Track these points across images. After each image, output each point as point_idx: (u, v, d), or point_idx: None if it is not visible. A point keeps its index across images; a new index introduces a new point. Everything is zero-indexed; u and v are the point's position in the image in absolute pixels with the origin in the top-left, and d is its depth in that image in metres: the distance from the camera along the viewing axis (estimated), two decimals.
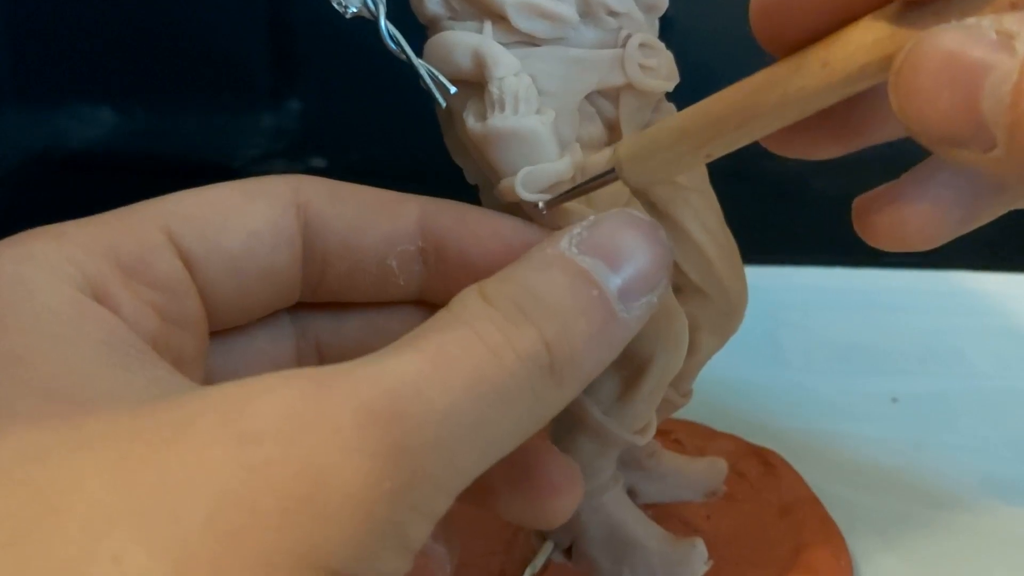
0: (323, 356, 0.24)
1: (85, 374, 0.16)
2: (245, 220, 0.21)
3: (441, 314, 0.18)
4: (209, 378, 0.21)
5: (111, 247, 0.19)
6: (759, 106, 0.18)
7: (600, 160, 0.23)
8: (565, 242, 0.19)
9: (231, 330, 0.22)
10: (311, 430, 0.15)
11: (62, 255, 0.18)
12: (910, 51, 0.16)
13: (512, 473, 0.22)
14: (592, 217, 0.20)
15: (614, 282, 0.19)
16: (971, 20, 0.15)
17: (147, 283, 0.19)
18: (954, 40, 0.15)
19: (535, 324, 0.18)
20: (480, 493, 0.22)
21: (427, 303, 0.23)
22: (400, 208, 0.22)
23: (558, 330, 0.18)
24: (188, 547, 0.13)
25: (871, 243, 0.20)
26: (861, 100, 0.18)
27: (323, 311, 0.23)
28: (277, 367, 0.17)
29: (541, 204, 0.22)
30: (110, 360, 0.17)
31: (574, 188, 0.22)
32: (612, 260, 0.19)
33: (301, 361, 0.23)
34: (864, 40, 0.17)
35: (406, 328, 0.18)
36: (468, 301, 0.18)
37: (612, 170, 0.21)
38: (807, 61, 0.17)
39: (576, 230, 0.19)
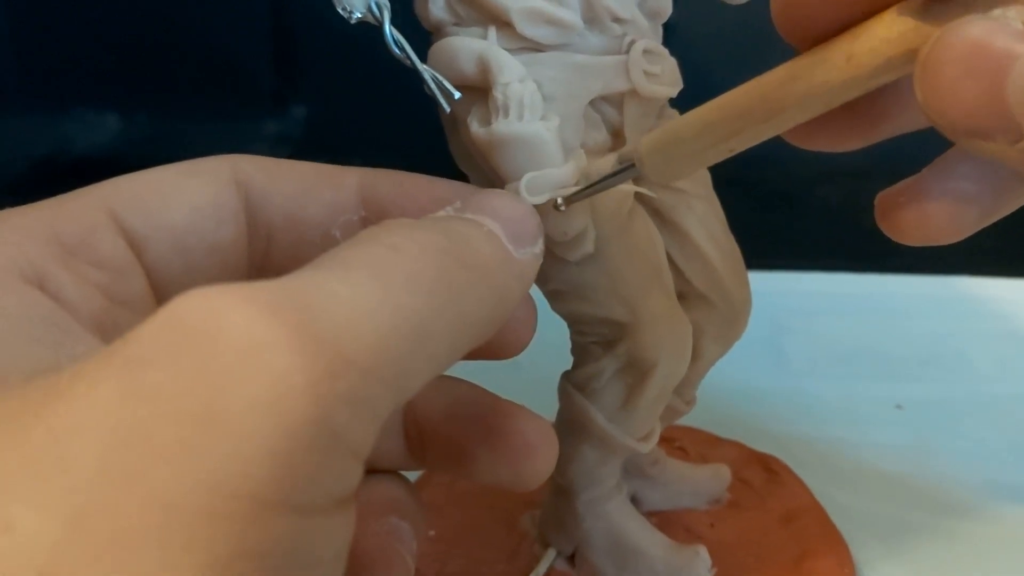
0: None
1: None
2: (187, 197, 0.21)
3: (335, 247, 0.17)
4: None
5: (52, 230, 0.19)
6: (784, 100, 0.18)
7: (604, 165, 0.23)
8: (443, 212, 0.20)
9: None
10: (201, 340, 0.13)
11: (1, 239, 0.18)
12: (935, 43, 0.15)
13: (487, 434, 0.22)
14: (456, 202, 0.20)
15: (499, 228, 0.19)
16: (997, 11, 0.15)
17: (91, 263, 0.19)
18: (979, 31, 0.15)
19: (437, 231, 0.18)
20: (458, 459, 0.22)
21: None
22: (339, 179, 0.22)
23: (460, 239, 0.18)
24: (80, 499, 0.12)
25: (895, 238, 0.20)
26: (883, 90, 0.18)
27: None
28: None
29: (560, 200, 0.22)
30: (25, 334, 0.16)
31: (594, 184, 0.22)
32: (490, 215, 0.19)
33: None
34: (889, 34, 0.16)
35: None
36: (363, 232, 0.18)
37: (633, 165, 0.21)
38: (831, 55, 0.17)
39: (449, 207, 0.20)
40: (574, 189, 0.22)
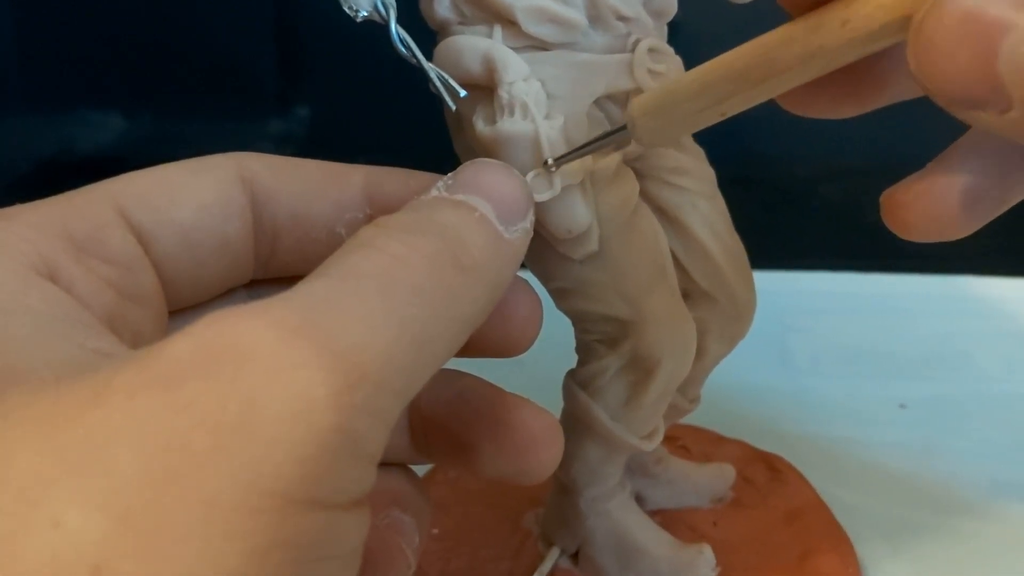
0: None
1: (19, 343, 0.16)
2: (194, 193, 0.21)
3: (339, 250, 0.18)
4: None
5: (63, 226, 0.19)
6: (778, 63, 0.18)
7: (610, 163, 0.23)
8: (435, 191, 0.20)
9: (191, 308, 0.22)
10: (231, 359, 0.14)
11: (13, 234, 0.18)
12: (929, 10, 0.15)
13: (492, 428, 0.22)
14: (448, 175, 0.21)
15: (489, 208, 0.19)
16: None
17: (100, 259, 0.19)
18: None
19: (432, 234, 0.18)
20: (463, 452, 0.23)
21: None
22: (345, 177, 0.22)
23: (454, 237, 0.18)
24: (126, 499, 0.13)
25: (903, 236, 0.20)
26: (880, 56, 0.18)
27: (279, 286, 0.23)
28: None
29: (550, 161, 0.22)
30: (50, 331, 0.17)
31: (585, 145, 0.22)
32: (481, 193, 0.20)
33: None
34: None
35: None
36: (363, 232, 0.18)
37: (625, 127, 0.21)
38: (827, 19, 0.17)
39: (440, 183, 0.20)
40: (565, 151, 0.22)
